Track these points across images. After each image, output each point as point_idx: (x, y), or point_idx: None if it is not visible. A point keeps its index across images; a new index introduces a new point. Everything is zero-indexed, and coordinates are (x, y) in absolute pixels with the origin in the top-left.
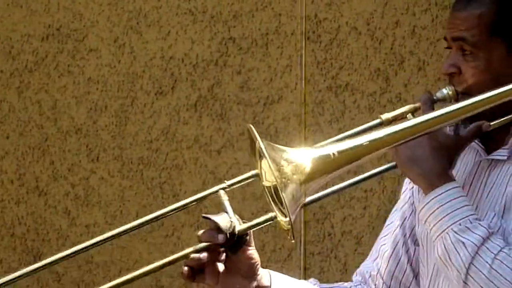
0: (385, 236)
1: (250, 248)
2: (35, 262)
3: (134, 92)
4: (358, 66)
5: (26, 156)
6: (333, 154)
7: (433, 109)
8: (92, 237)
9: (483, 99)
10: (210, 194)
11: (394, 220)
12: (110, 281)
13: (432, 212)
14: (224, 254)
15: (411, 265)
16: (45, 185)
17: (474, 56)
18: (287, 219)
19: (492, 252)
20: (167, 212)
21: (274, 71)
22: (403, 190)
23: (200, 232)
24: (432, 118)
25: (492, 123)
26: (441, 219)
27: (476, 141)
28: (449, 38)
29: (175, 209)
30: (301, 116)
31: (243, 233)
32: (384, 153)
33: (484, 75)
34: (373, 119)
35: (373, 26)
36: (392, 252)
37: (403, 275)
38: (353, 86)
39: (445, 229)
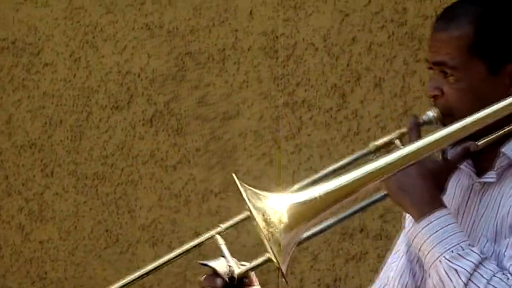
0: (392, 263)
1: (253, 287)
2: None
3: (89, 107)
4: (315, 82)
5: None
6: (319, 196)
7: (420, 133)
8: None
9: (470, 123)
10: (207, 239)
11: (400, 248)
12: None
13: (424, 241)
14: None
15: None
16: None
17: (456, 78)
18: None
19: (485, 278)
20: (170, 260)
21: (231, 86)
22: (406, 215)
23: (201, 278)
24: (420, 148)
25: (480, 143)
26: (433, 247)
27: (467, 164)
28: (430, 62)
29: (176, 256)
30: (258, 132)
31: (243, 276)
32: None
33: (467, 96)
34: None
35: (330, 42)
36: (400, 279)
37: None
38: (310, 102)
39: (438, 257)
